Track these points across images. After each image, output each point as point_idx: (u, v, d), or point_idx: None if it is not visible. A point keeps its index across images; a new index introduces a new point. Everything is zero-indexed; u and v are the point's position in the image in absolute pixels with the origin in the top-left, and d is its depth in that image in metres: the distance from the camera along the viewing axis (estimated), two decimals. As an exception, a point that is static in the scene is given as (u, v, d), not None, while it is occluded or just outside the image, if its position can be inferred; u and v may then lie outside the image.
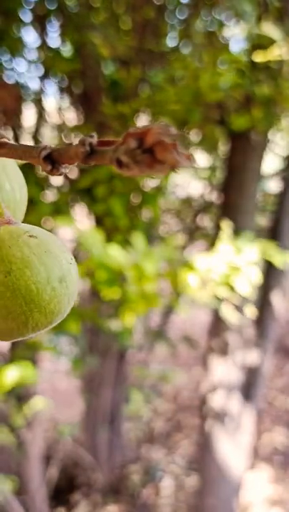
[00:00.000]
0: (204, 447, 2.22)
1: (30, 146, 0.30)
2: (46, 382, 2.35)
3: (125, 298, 1.77)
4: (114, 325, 2.02)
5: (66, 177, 2.24)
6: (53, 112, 2.29)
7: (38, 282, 0.33)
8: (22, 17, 2.13)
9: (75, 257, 0.38)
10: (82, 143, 0.27)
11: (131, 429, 2.60)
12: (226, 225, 1.75)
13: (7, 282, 0.33)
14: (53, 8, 2.09)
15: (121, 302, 1.89)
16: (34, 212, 1.91)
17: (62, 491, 2.46)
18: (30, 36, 2.19)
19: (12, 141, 0.31)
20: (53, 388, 2.50)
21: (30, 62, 2.20)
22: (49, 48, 2.12)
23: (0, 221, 0.35)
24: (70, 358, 2.38)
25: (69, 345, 2.47)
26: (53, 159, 0.29)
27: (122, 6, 2.10)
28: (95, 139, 0.27)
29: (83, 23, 1.85)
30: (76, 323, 1.80)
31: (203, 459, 2.25)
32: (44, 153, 0.29)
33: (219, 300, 1.82)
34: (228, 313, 1.82)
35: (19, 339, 0.36)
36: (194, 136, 2.35)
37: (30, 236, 0.35)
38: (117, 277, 1.65)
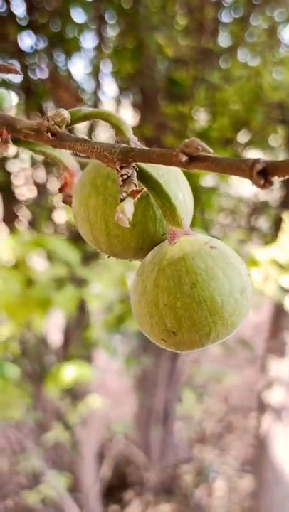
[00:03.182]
0: (259, 449, 2.20)
1: (238, 160, 0.29)
2: (97, 381, 2.36)
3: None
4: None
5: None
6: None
7: (222, 294, 0.33)
8: (78, 18, 2.14)
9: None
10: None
11: (182, 429, 2.60)
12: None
13: (193, 294, 0.33)
14: (111, 9, 2.10)
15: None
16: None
17: (115, 488, 2.47)
18: (87, 37, 2.18)
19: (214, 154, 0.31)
20: (104, 386, 2.51)
21: (88, 62, 2.21)
22: (109, 49, 2.13)
23: (179, 232, 0.35)
24: (123, 356, 2.38)
25: (122, 343, 2.48)
26: (266, 173, 0.28)
27: (179, 6, 2.10)
28: None
29: (145, 23, 1.85)
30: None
31: (258, 461, 2.23)
32: (259, 167, 0.28)
33: (282, 292, 1.79)
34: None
35: (196, 350, 0.36)
36: (245, 135, 2.33)
37: (210, 247, 0.34)
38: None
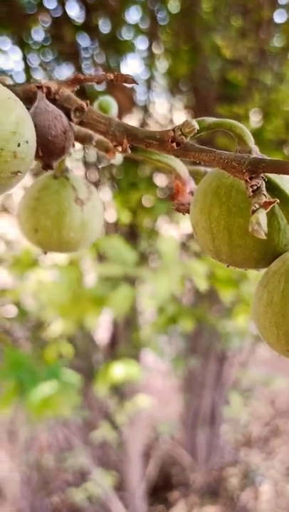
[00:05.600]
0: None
1: None
2: (143, 380, 2.36)
3: (240, 298, 1.76)
4: (224, 326, 2.01)
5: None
6: (162, 113, 2.30)
7: None
8: (131, 19, 2.15)
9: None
10: None
11: (229, 432, 2.59)
12: None
13: None
14: (164, 10, 2.10)
15: (235, 303, 1.88)
16: (150, 212, 1.93)
17: (160, 489, 2.48)
18: (141, 38, 2.18)
19: None
20: (149, 386, 2.52)
21: (141, 63, 2.22)
22: (162, 49, 2.13)
23: None
24: (170, 357, 2.38)
25: (169, 344, 2.48)
26: None
27: (233, 7, 2.08)
28: None
29: (201, 23, 1.85)
30: (190, 321, 1.80)
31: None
32: None
33: None
34: None
35: None
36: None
37: None
38: (238, 277, 1.64)
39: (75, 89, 0.42)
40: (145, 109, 2.23)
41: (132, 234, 2.12)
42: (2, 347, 2.13)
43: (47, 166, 0.40)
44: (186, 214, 0.42)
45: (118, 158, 1.74)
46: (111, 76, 0.41)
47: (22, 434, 2.27)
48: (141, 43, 2.17)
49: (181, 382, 2.58)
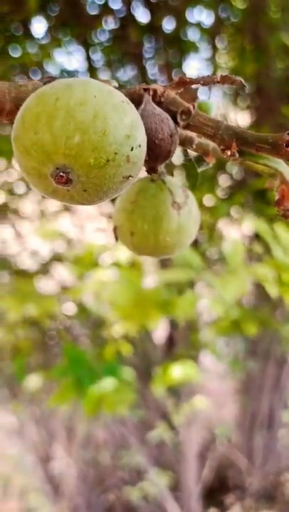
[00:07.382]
0: None
1: None
2: (200, 382, 2.35)
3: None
4: (288, 329, 1.98)
5: (232, 178, 2.23)
6: (224, 113, 2.28)
7: None
8: (193, 18, 2.14)
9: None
10: None
11: (286, 436, 2.55)
12: None
13: None
14: (229, 9, 2.09)
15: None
16: (212, 212, 1.92)
17: (216, 491, 2.46)
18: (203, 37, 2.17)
19: None
20: (205, 388, 2.50)
21: (203, 62, 2.20)
22: (226, 49, 2.11)
23: None
24: (228, 359, 2.36)
25: (227, 346, 2.46)
26: None
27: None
28: None
29: (269, 22, 1.82)
30: (254, 325, 1.78)
31: None
32: None
33: None
34: None
35: None
36: None
37: None
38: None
39: (180, 91, 0.42)
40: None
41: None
42: (62, 344, 2.16)
43: (152, 170, 0.40)
44: (294, 220, 0.40)
45: (179, 160, 1.72)
46: (218, 78, 0.40)
47: (80, 431, 2.30)
48: (205, 43, 2.15)
49: (238, 384, 2.55)
